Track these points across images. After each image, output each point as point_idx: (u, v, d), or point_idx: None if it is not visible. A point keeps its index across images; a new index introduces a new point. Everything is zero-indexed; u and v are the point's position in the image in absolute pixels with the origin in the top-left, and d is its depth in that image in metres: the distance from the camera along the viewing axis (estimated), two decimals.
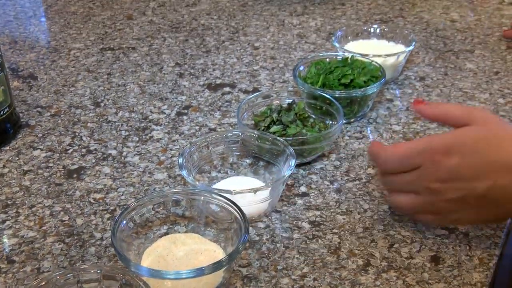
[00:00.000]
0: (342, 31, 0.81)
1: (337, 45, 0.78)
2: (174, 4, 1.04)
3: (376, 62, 0.71)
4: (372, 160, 0.50)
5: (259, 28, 0.94)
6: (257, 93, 0.68)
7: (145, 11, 1.01)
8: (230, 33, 0.93)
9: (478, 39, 0.88)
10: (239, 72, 0.81)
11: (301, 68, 0.73)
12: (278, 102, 0.68)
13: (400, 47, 0.79)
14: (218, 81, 0.79)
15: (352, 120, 0.69)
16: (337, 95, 0.66)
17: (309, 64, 0.73)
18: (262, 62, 0.84)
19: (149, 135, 0.68)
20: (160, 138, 0.67)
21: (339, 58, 0.73)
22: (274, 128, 0.62)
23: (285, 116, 0.63)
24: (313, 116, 0.65)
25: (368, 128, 0.68)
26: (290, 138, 0.59)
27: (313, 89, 0.67)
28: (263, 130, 0.63)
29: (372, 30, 0.82)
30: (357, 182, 0.59)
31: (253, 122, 0.65)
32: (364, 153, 0.64)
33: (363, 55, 0.73)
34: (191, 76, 0.80)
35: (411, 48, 0.76)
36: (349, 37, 0.81)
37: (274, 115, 0.63)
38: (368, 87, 0.67)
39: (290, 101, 0.66)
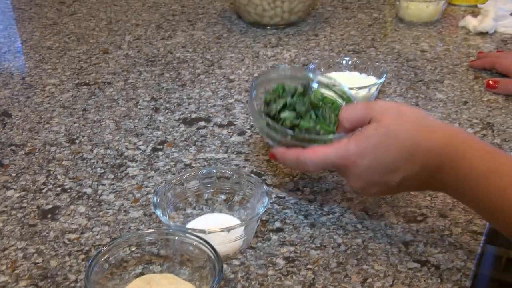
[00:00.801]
0: (314, 64, 0.82)
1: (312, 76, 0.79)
2: (150, 38, 1.05)
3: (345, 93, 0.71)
4: (288, 165, 0.57)
5: (234, 61, 0.95)
6: (267, 70, 0.63)
7: (121, 45, 1.02)
8: (205, 66, 0.94)
9: (447, 69, 0.91)
10: (214, 105, 0.82)
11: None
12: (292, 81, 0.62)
13: (371, 79, 0.81)
14: (194, 115, 0.80)
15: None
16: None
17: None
18: (237, 95, 0.85)
19: (125, 172, 0.68)
20: (136, 175, 0.67)
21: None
22: (287, 114, 0.58)
23: (300, 103, 0.58)
24: (325, 106, 0.60)
25: None
26: (303, 134, 0.56)
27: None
28: (274, 114, 0.58)
29: (344, 62, 0.84)
30: (331, 216, 0.60)
31: (263, 100, 0.60)
32: (338, 186, 0.65)
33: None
34: (167, 111, 0.81)
35: (382, 80, 0.78)
36: (322, 70, 0.83)
37: (288, 99, 0.58)
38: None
39: (304, 84, 0.61)
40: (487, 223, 0.58)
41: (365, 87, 0.76)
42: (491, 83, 0.83)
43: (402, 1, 1.09)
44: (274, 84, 0.61)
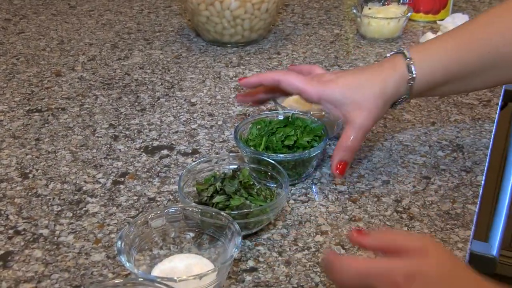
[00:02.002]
0: None
1: (274, 101, 0.76)
2: (105, 58, 1.00)
3: (318, 121, 0.70)
4: (326, 267, 0.48)
5: (194, 82, 0.92)
6: (198, 160, 0.65)
7: (74, 66, 0.97)
8: (165, 88, 0.90)
9: None
10: (176, 132, 0.78)
11: (241, 129, 0.70)
12: (221, 168, 0.65)
13: None
14: (155, 143, 0.75)
15: (296, 182, 0.67)
16: (281, 158, 0.64)
17: (249, 124, 0.71)
18: (200, 119, 0.81)
19: (84, 209, 0.63)
20: (96, 212, 0.63)
21: (280, 117, 0.72)
22: (217, 198, 0.59)
23: (229, 186, 0.60)
24: (257, 184, 0.63)
25: (314, 190, 0.67)
26: (235, 212, 0.57)
27: (257, 154, 0.65)
28: (205, 200, 0.60)
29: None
30: (306, 252, 0.57)
31: (195, 189, 0.62)
32: (311, 218, 0.62)
33: (303, 113, 0.72)
34: (127, 139, 0.76)
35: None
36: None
37: (218, 184, 0.61)
38: (312, 149, 0.65)
39: (234, 167, 0.64)
40: (467, 254, 0.57)
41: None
42: (341, 166, 0.65)
43: (364, 18, 1.07)
44: (207, 173, 0.64)
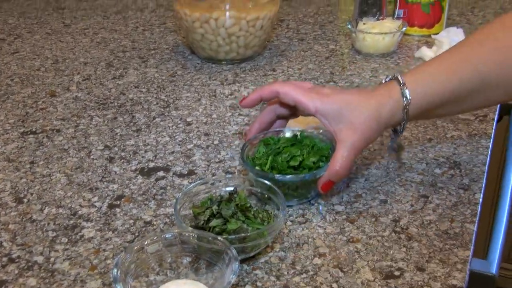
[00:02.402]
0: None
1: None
2: (100, 77, 1.00)
3: (326, 138, 0.69)
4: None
5: (190, 101, 0.91)
6: (194, 183, 0.65)
7: (69, 86, 0.96)
8: (161, 108, 0.89)
9: None
10: (172, 152, 0.78)
11: (248, 147, 0.70)
12: (217, 190, 0.65)
13: None
14: (151, 165, 0.75)
15: (294, 204, 0.67)
16: (287, 179, 0.64)
17: (257, 141, 0.70)
18: (196, 139, 0.81)
19: (79, 234, 0.63)
20: (92, 237, 0.62)
21: (287, 135, 0.71)
22: (214, 222, 0.59)
23: (225, 209, 0.60)
24: (254, 207, 0.63)
25: (311, 211, 0.66)
26: (232, 236, 0.56)
27: (261, 174, 0.64)
28: (202, 224, 0.59)
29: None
30: (304, 275, 0.57)
31: (192, 212, 0.62)
32: (309, 240, 0.61)
33: (311, 132, 0.71)
34: (122, 160, 0.76)
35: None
36: None
37: (214, 207, 0.60)
38: (317, 170, 0.65)
39: (230, 189, 0.63)
40: (467, 275, 0.56)
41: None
42: (328, 185, 0.66)
43: (359, 33, 1.08)
44: (203, 195, 0.64)
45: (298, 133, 0.70)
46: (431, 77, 0.65)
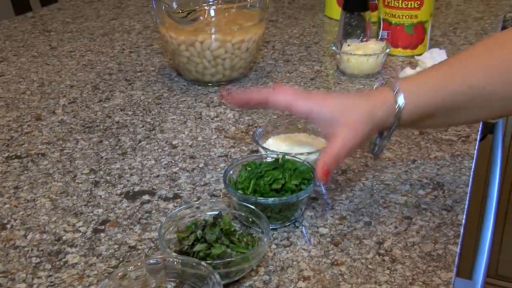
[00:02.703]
0: (261, 128, 0.80)
1: (256, 143, 0.76)
2: (86, 100, 1.00)
3: (307, 162, 0.70)
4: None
5: (176, 123, 0.92)
6: (179, 207, 0.65)
7: (55, 110, 0.96)
8: (147, 131, 0.90)
9: None
10: (158, 176, 0.78)
11: (230, 172, 0.70)
12: (202, 214, 0.65)
13: (321, 141, 0.79)
14: (137, 188, 0.75)
15: (286, 224, 0.67)
16: (270, 202, 0.64)
17: (239, 166, 0.71)
18: (182, 162, 0.81)
19: (63, 260, 0.62)
20: (76, 263, 0.62)
21: (269, 159, 0.72)
22: (198, 247, 0.59)
23: (210, 233, 0.60)
24: (239, 231, 0.63)
25: (296, 234, 0.66)
26: (216, 261, 0.56)
27: (243, 198, 0.65)
28: (186, 249, 0.59)
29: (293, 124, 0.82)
30: None
31: (176, 237, 0.62)
32: (294, 263, 0.61)
33: (284, 154, 0.72)
34: (107, 184, 0.76)
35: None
36: (270, 134, 0.81)
37: (199, 232, 0.60)
38: (299, 192, 0.65)
39: (214, 213, 0.64)
40: None
41: (315, 152, 0.74)
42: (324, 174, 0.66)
43: (343, 54, 1.09)
44: (188, 219, 0.64)
45: (280, 157, 0.71)
46: (425, 86, 0.67)
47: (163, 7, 0.98)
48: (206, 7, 1.05)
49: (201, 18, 0.97)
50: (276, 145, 0.77)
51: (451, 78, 0.67)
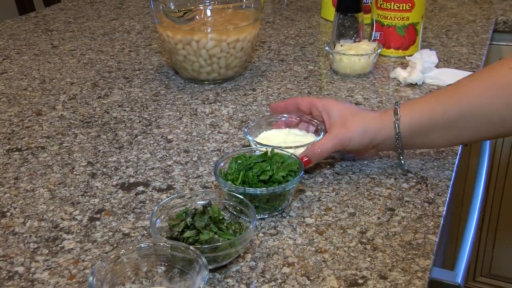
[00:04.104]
0: (254, 122, 0.83)
1: (249, 137, 0.79)
2: (86, 97, 1.03)
3: (294, 155, 0.73)
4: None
5: (172, 119, 0.95)
6: (171, 196, 0.68)
7: (55, 106, 1.00)
8: (143, 126, 0.93)
9: None
10: (152, 168, 0.81)
11: (221, 164, 0.73)
12: (193, 203, 0.68)
13: (310, 136, 0.82)
14: (132, 180, 0.78)
15: (274, 214, 0.70)
16: (256, 192, 0.67)
17: (230, 159, 0.74)
18: (176, 156, 0.84)
19: (60, 245, 0.66)
20: (72, 249, 0.65)
21: (257, 152, 0.75)
22: (187, 233, 0.62)
23: (199, 221, 0.63)
24: (228, 219, 0.66)
25: (283, 223, 0.69)
26: (204, 246, 0.59)
27: (233, 189, 0.68)
28: (176, 235, 0.62)
29: (283, 119, 0.85)
30: (273, 283, 0.60)
31: (168, 225, 0.65)
32: (279, 250, 0.64)
33: (274, 148, 0.75)
34: (104, 176, 0.79)
35: (320, 137, 0.79)
36: (262, 128, 0.84)
37: (188, 220, 0.63)
38: (286, 183, 0.68)
39: (204, 203, 0.67)
40: (426, 282, 0.59)
41: (303, 145, 0.77)
42: (304, 160, 0.76)
43: (335, 54, 1.12)
44: (180, 208, 0.67)
45: (269, 151, 0.74)
46: (421, 101, 0.76)
47: (161, 7, 1.01)
48: (202, 7, 1.08)
49: (197, 17, 1.01)
50: (267, 140, 0.80)
51: (446, 92, 0.74)
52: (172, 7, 1.08)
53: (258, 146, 0.77)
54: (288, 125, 0.84)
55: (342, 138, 0.75)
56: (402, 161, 0.79)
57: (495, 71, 0.72)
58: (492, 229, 1.70)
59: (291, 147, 0.76)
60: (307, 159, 0.76)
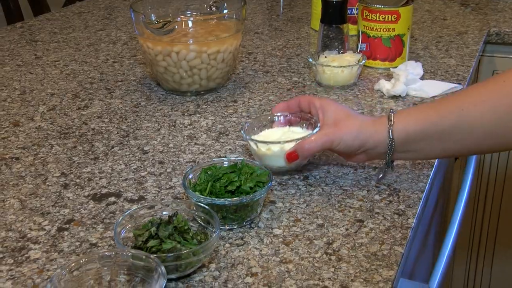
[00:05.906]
0: (248, 123, 0.84)
1: (245, 136, 0.81)
2: (65, 108, 1.03)
3: (264, 167, 0.73)
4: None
5: (150, 130, 0.95)
6: (139, 206, 0.68)
7: (33, 117, 1.00)
8: (120, 137, 0.93)
9: None
10: (126, 179, 0.81)
11: (190, 176, 0.73)
12: (162, 214, 0.68)
13: (305, 132, 0.82)
14: (104, 191, 0.78)
15: (242, 225, 0.70)
16: (225, 203, 0.67)
17: (200, 170, 0.74)
18: (150, 167, 0.84)
19: (26, 255, 0.65)
20: (37, 258, 0.65)
21: (225, 164, 0.75)
22: (151, 242, 0.62)
23: (163, 230, 0.63)
24: (194, 230, 0.66)
25: (250, 234, 0.69)
26: (167, 255, 0.59)
27: (200, 199, 0.67)
28: (140, 244, 0.62)
29: (276, 119, 0.86)
30: None
31: (133, 235, 0.65)
32: (244, 260, 0.64)
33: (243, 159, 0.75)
34: (76, 187, 0.79)
35: (315, 131, 0.79)
36: (255, 129, 0.84)
37: (153, 229, 0.63)
38: (254, 194, 0.68)
39: (170, 213, 0.67)
40: None
41: (292, 140, 0.78)
42: (292, 155, 0.78)
43: (318, 66, 1.12)
44: (147, 218, 0.67)
45: (239, 162, 0.74)
46: (415, 110, 0.77)
47: (141, 18, 1.02)
48: (182, 19, 1.08)
49: (176, 27, 1.01)
50: (265, 138, 0.82)
51: (442, 102, 0.75)
52: (153, 18, 1.09)
53: (228, 157, 0.77)
54: (290, 123, 0.86)
55: (333, 137, 0.75)
56: (385, 172, 0.79)
57: (493, 83, 0.72)
58: (489, 252, 1.69)
59: (278, 142, 0.77)
60: (295, 154, 0.76)
